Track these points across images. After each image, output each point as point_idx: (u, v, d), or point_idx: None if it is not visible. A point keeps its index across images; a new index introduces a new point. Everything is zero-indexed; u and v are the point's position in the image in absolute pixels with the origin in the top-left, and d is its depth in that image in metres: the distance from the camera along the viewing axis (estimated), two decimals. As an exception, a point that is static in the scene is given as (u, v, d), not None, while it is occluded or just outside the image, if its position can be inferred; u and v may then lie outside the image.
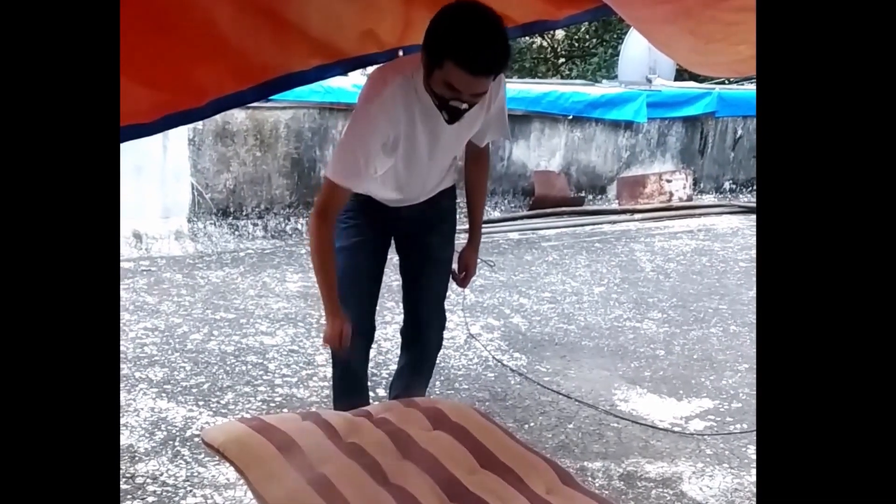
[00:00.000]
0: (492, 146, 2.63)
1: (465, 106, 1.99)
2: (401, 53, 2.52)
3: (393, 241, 2.53)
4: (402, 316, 2.66)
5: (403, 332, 2.65)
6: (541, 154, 6.98)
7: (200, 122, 5.40)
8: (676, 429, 3.19)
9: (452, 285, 2.61)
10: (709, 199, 7.79)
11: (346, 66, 2.49)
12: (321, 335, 2.33)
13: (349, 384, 2.55)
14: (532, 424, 3.16)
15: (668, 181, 7.50)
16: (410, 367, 2.65)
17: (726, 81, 8.69)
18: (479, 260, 2.66)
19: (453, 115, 2.03)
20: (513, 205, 6.82)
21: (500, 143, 6.60)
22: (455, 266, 2.57)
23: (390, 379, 2.91)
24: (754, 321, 1.09)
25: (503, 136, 2.46)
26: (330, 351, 2.57)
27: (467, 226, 2.60)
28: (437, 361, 3.64)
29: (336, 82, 5.94)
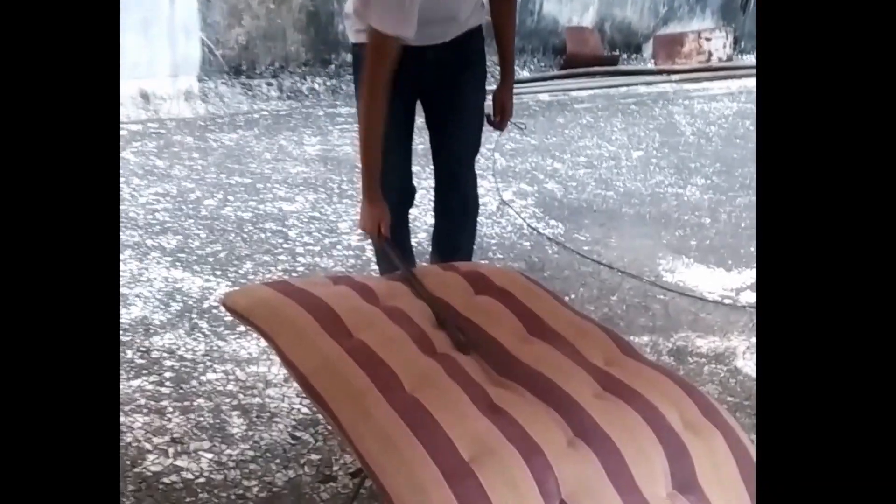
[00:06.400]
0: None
1: None
2: None
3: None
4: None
5: (437, 192, 2.42)
6: (573, 9, 6.52)
7: (207, -30, 5.02)
8: (727, 301, 2.99)
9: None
10: (750, 59, 7.31)
11: None
12: (357, 220, 2.09)
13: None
14: (573, 297, 2.95)
15: (708, 40, 7.04)
16: (452, 231, 2.43)
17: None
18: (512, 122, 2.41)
19: None
20: (543, 64, 6.43)
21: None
22: (489, 110, 2.37)
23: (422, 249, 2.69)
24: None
25: None
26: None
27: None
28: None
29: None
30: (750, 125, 5.43)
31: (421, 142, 2.40)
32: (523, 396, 1.50)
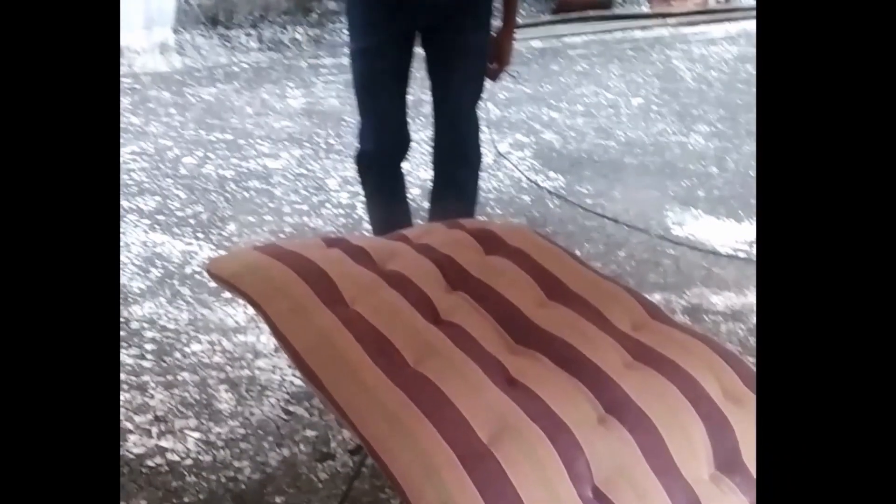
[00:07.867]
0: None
1: None
2: None
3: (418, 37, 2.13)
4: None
5: (436, 142, 2.23)
6: (564, -49, 6.29)
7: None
8: (741, 255, 2.84)
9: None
10: (748, 1, 7.11)
11: None
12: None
13: (388, 205, 2.22)
14: (578, 253, 2.78)
15: (704, -20, 6.85)
16: (452, 185, 2.25)
17: None
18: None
19: None
20: (534, 9, 6.28)
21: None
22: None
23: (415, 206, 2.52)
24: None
25: None
26: (357, 168, 2.21)
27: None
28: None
29: None
30: (752, 69, 5.26)
31: (410, 90, 2.21)
32: (545, 367, 1.35)
